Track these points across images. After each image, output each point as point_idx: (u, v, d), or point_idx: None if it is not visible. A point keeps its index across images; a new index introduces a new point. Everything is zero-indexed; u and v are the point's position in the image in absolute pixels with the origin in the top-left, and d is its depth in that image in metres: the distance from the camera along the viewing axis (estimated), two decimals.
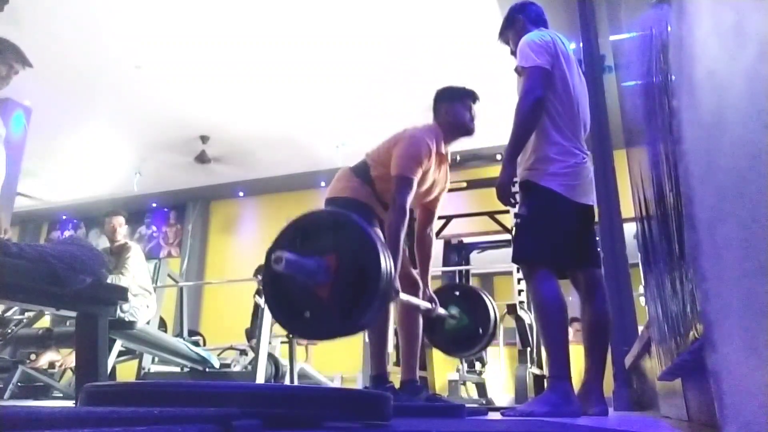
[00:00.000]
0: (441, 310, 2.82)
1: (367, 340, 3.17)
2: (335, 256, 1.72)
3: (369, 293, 1.69)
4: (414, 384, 2.47)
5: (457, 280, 5.37)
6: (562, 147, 2.12)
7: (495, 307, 3.26)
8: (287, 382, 4.41)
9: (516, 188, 2.23)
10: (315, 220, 1.85)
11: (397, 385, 2.49)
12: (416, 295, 2.52)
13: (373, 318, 1.80)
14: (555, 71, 2.14)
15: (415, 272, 2.63)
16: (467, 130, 2.59)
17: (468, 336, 3.17)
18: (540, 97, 2.07)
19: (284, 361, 4.56)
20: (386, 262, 1.74)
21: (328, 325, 1.72)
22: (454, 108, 2.57)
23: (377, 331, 2.41)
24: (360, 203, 2.43)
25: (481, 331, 3.18)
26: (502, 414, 2.15)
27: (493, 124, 6.61)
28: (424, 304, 2.56)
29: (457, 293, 3.28)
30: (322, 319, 1.72)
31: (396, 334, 3.38)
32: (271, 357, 4.48)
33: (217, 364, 4.50)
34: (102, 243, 9.38)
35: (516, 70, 2.23)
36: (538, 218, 2.11)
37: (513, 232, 2.41)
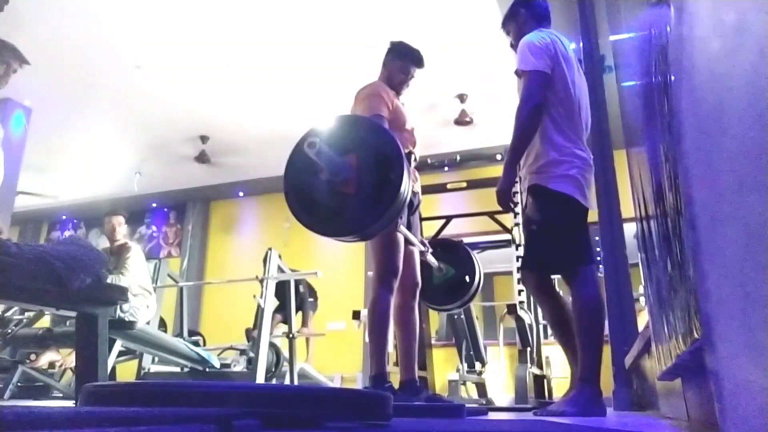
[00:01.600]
0: (431, 258, 2.93)
1: (367, 339, 3.18)
2: (356, 156, 1.84)
3: (392, 184, 1.80)
4: (414, 384, 2.47)
5: None
6: (566, 148, 2.13)
7: (477, 259, 3.40)
8: (287, 382, 4.41)
9: (516, 190, 2.24)
10: (335, 125, 1.94)
11: (396, 385, 2.49)
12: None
13: (397, 210, 1.91)
14: (555, 74, 2.14)
15: None
16: (396, 90, 2.72)
17: (456, 285, 3.32)
18: (539, 103, 2.09)
19: (285, 353, 4.57)
20: (405, 162, 1.85)
21: (358, 216, 1.84)
22: (392, 65, 2.72)
23: (377, 331, 2.40)
24: None
25: (467, 279, 3.33)
26: (534, 414, 2.16)
27: (494, 123, 6.59)
28: (419, 246, 2.66)
29: (440, 249, 3.39)
30: (351, 212, 1.84)
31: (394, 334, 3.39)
32: (273, 346, 4.50)
33: (217, 364, 4.50)
34: (102, 243, 9.38)
35: (516, 72, 2.24)
36: (552, 224, 2.12)
37: (526, 238, 2.41)
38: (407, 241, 2.52)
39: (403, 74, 2.72)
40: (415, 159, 2.74)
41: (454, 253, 3.35)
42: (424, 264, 2.89)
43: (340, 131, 1.94)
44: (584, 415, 1.87)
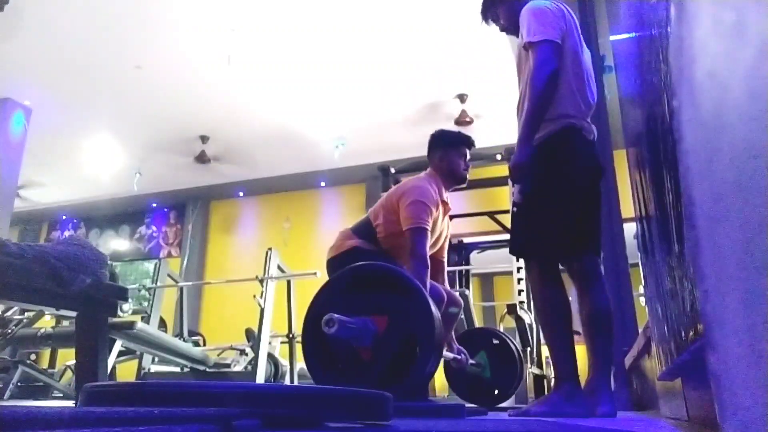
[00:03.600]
0: (471, 362, 2.76)
1: None
2: (386, 318, 1.61)
3: (421, 363, 1.57)
4: None
5: (457, 280, 5.37)
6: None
7: (522, 364, 3.05)
8: (287, 382, 4.41)
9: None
10: (365, 275, 1.73)
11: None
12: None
13: (428, 377, 1.70)
14: (565, 44, 1.99)
15: None
16: (461, 179, 2.54)
17: (484, 391, 3.01)
18: (555, 69, 1.92)
19: (284, 361, 4.57)
20: (439, 329, 1.62)
21: (389, 380, 1.55)
22: (448, 155, 2.50)
23: None
24: (368, 250, 2.38)
25: (497, 392, 3.03)
26: (509, 414, 2.14)
27: (494, 123, 6.59)
28: (456, 357, 2.52)
29: (496, 341, 3.11)
30: (359, 382, 1.55)
31: None
32: (271, 357, 4.49)
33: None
34: (102, 243, 9.38)
35: (524, 46, 2.03)
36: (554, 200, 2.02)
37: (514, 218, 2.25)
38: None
39: (462, 161, 2.54)
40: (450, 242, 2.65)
41: (501, 354, 2.99)
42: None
43: (373, 284, 1.70)
44: (553, 414, 1.81)
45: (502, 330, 3.50)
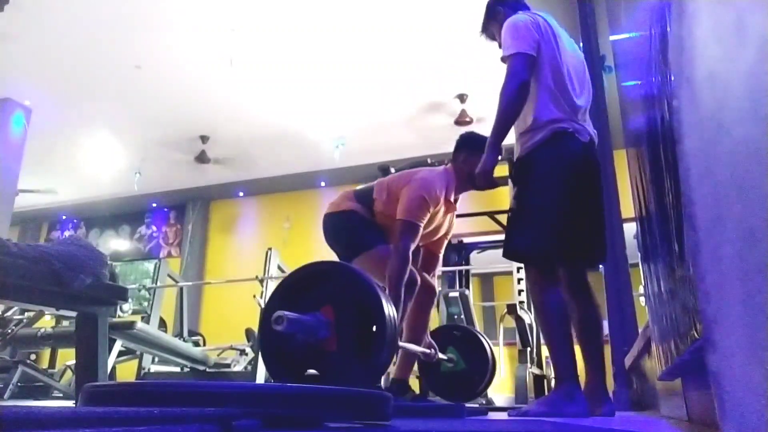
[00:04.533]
0: (440, 356, 2.78)
1: None
2: (330, 308, 1.68)
3: (378, 339, 1.63)
4: (402, 384, 2.47)
5: (457, 280, 5.37)
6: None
7: (493, 353, 3.15)
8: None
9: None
10: (305, 275, 1.80)
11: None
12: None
13: (387, 362, 1.75)
14: (542, 54, 2.04)
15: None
16: (478, 186, 2.51)
17: (463, 383, 3.07)
18: (525, 80, 1.98)
19: None
20: (388, 305, 1.69)
21: (344, 377, 1.61)
22: (473, 159, 2.34)
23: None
24: (362, 216, 2.40)
25: (476, 379, 3.09)
26: (509, 414, 2.15)
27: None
28: (424, 351, 2.53)
29: (457, 333, 3.21)
30: (335, 374, 1.64)
31: None
32: None
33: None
34: (102, 243, 9.38)
35: (502, 59, 2.12)
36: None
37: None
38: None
39: None
40: (449, 240, 2.65)
41: (468, 345, 3.09)
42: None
43: (313, 281, 1.79)
44: (553, 414, 1.83)
45: (471, 329, 3.58)
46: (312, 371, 1.75)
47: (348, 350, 1.67)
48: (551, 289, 2.02)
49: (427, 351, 2.54)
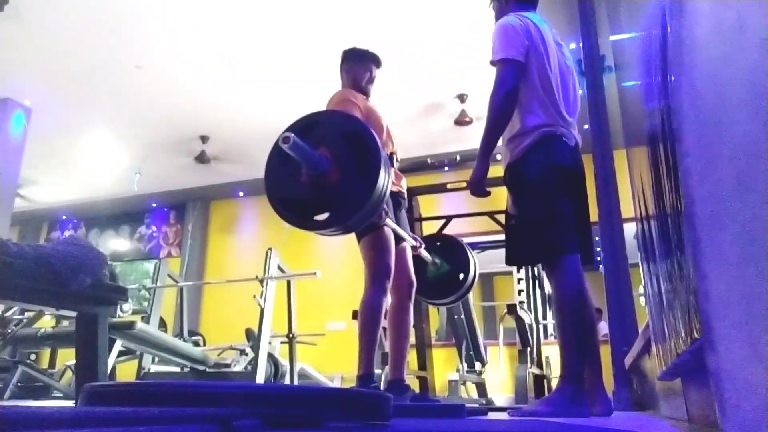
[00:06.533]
0: (425, 254, 2.96)
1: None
2: (327, 148, 1.88)
3: (372, 159, 1.85)
4: (400, 384, 2.47)
5: None
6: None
7: (474, 256, 3.40)
8: (287, 382, 4.41)
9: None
10: (296, 130, 1.96)
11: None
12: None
13: (385, 181, 1.93)
14: (531, 60, 2.05)
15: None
16: (363, 92, 2.75)
17: (449, 282, 3.30)
18: (513, 88, 2.00)
19: (284, 361, 4.56)
20: (374, 136, 1.90)
21: (350, 203, 1.86)
22: (354, 68, 2.76)
23: (367, 331, 2.38)
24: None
25: (462, 276, 3.31)
26: (509, 414, 2.14)
27: None
28: (411, 240, 2.65)
29: (438, 243, 3.42)
30: (341, 202, 1.85)
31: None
32: (271, 357, 4.49)
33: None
34: (102, 243, 9.37)
35: (491, 62, 2.14)
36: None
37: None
38: (398, 238, 2.50)
39: (368, 74, 2.78)
40: (397, 159, 2.75)
41: (449, 249, 3.36)
42: (418, 259, 2.89)
43: (311, 127, 1.99)
44: (559, 415, 1.81)
45: (450, 235, 3.86)
46: (320, 217, 1.93)
47: (349, 175, 1.86)
48: (564, 279, 1.97)
49: (413, 242, 2.71)
